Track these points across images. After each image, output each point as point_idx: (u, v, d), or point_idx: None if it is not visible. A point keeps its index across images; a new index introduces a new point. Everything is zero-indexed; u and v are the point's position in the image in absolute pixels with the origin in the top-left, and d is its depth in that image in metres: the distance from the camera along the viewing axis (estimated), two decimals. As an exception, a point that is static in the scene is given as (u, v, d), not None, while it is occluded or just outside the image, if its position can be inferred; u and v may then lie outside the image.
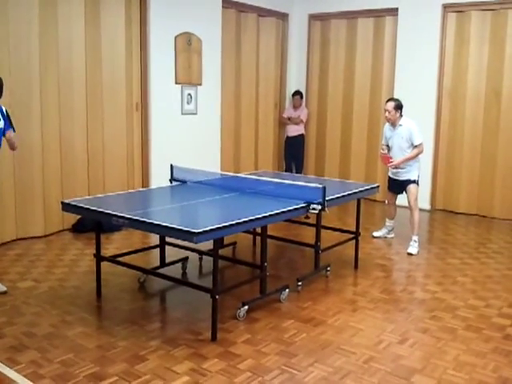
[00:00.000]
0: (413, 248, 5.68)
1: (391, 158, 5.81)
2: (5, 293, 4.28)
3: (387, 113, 5.74)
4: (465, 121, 7.63)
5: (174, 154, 6.69)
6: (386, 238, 6.28)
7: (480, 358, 3.42)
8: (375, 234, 6.35)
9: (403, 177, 5.83)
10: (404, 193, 5.93)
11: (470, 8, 7.41)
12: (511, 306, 4.31)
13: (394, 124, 5.79)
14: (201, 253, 4.99)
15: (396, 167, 5.82)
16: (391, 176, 6.03)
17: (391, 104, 5.73)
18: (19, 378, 3.05)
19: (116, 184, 6.48)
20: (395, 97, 7.65)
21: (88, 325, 3.80)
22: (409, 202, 5.79)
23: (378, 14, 8.22)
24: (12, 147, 4.42)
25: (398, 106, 5.72)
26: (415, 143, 5.67)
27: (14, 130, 4.38)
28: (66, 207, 4.16)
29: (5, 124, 4.27)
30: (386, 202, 6.47)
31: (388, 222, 6.31)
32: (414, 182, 5.79)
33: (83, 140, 6.27)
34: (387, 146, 5.93)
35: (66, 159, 6.12)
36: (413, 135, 5.67)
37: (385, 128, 6.00)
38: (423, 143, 5.74)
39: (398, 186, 5.95)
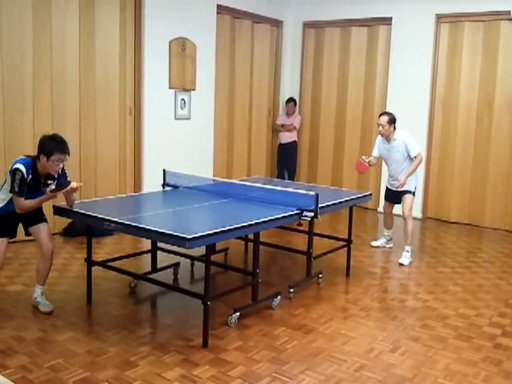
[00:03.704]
0: (404, 258, 5.66)
1: (367, 166, 5.76)
2: (50, 313, 4.00)
3: (381, 127, 5.66)
4: (457, 130, 7.67)
5: (166, 158, 6.67)
6: (384, 247, 6.22)
7: (471, 367, 3.42)
8: (373, 243, 6.27)
9: (401, 187, 5.80)
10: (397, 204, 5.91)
11: (463, 19, 7.47)
12: (502, 315, 4.33)
13: (388, 138, 5.72)
14: (192, 258, 4.97)
15: (394, 178, 5.80)
16: (389, 186, 5.99)
17: (385, 118, 5.64)
18: (8, 382, 3.01)
19: (108, 188, 6.44)
20: (388, 105, 7.77)
21: (78, 330, 3.76)
22: (403, 212, 5.73)
23: (371, 22, 8.27)
24: (68, 198, 3.97)
25: (392, 120, 5.65)
26: (412, 155, 5.62)
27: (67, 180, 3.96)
28: (58, 211, 4.13)
29: (58, 182, 3.96)
30: (384, 210, 6.32)
31: (386, 232, 6.24)
32: (410, 192, 5.74)
33: (76, 143, 6.22)
34: (377, 158, 5.90)
35: (57, 162, 6.07)
36: (409, 147, 5.62)
37: (378, 140, 5.91)
38: (420, 152, 5.72)
39: (395, 196, 5.88)
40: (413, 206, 5.80)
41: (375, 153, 5.93)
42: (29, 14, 5.59)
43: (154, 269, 4.76)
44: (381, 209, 6.89)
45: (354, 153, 8.55)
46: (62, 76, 6.02)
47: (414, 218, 6.22)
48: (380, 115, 5.77)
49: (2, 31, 5.42)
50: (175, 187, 5.09)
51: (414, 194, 5.78)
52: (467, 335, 3.91)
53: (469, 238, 6.96)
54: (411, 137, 5.71)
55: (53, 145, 3.76)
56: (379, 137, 5.87)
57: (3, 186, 3.91)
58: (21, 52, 5.58)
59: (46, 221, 4.07)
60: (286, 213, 4.14)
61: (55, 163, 3.78)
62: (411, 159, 5.66)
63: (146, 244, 5.40)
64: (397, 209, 6.03)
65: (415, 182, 5.82)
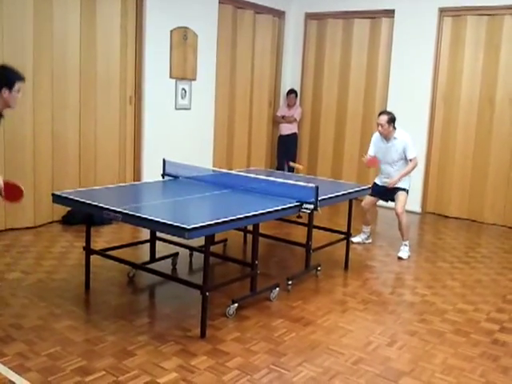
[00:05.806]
0: (403, 252, 5.64)
1: (375, 160, 5.74)
2: None
3: (380, 127, 5.56)
4: (458, 125, 7.65)
5: (166, 148, 6.65)
6: (364, 243, 6.13)
7: (468, 362, 3.43)
8: (354, 239, 6.02)
9: (392, 186, 5.68)
10: (390, 201, 5.86)
11: (466, 12, 7.42)
12: (500, 310, 4.33)
13: (387, 137, 5.63)
14: (191, 249, 4.96)
15: (386, 176, 5.73)
16: (379, 183, 5.87)
17: (384, 118, 5.54)
18: (5, 370, 3.02)
19: (107, 177, 6.44)
20: (389, 99, 7.75)
21: (76, 318, 3.76)
22: (396, 210, 5.63)
23: (374, 15, 8.22)
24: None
25: (391, 120, 5.55)
26: (409, 157, 5.57)
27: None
28: (57, 199, 4.11)
29: None
30: (363, 205, 6.03)
31: (365, 228, 6.11)
32: (404, 189, 5.68)
33: (75, 132, 6.22)
34: (374, 156, 5.79)
35: (57, 151, 6.06)
36: (407, 149, 5.56)
37: (374, 137, 5.80)
38: (417, 157, 5.66)
39: (386, 193, 5.78)
40: (406, 203, 5.71)
41: (371, 151, 5.82)
42: (30, 5, 5.53)
43: (153, 259, 4.75)
44: (380, 203, 6.69)
45: (354, 145, 8.56)
46: (62, 66, 5.97)
47: (414, 213, 6.20)
48: (379, 114, 5.66)
49: (4, 22, 5.35)
50: (175, 177, 5.08)
51: (407, 191, 5.72)
52: (465, 330, 3.91)
53: (468, 233, 6.96)
54: (411, 139, 5.64)
55: (15, 75, 3.48)
56: (376, 135, 5.77)
57: None
58: (22, 43, 5.52)
59: None
60: (286, 205, 4.13)
61: (19, 93, 3.49)
62: (406, 160, 5.63)
63: (145, 233, 5.39)
64: (391, 203, 5.96)
65: (409, 181, 5.75)
